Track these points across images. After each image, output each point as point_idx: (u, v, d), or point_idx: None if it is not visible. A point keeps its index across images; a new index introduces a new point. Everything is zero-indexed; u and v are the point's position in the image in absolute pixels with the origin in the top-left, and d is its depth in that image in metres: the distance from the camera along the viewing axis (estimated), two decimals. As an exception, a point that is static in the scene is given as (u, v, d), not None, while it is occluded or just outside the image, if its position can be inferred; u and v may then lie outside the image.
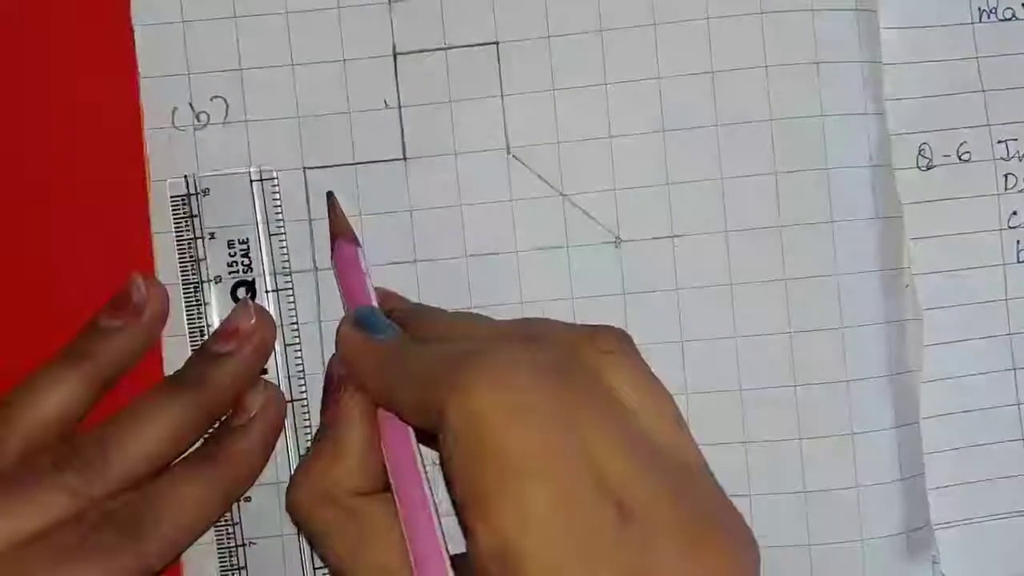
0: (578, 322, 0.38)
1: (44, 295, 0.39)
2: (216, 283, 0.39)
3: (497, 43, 0.39)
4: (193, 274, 0.39)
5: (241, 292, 0.39)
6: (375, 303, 0.36)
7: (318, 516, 0.33)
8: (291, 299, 0.39)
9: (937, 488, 0.40)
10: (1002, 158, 0.40)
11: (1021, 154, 0.41)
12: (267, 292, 0.39)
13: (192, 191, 0.39)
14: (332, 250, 0.38)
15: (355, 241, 0.38)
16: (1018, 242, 0.40)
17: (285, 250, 0.39)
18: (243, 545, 0.38)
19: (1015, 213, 0.40)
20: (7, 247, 0.39)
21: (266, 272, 0.39)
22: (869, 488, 0.39)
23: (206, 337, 0.38)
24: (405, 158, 0.39)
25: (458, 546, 0.31)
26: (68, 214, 0.39)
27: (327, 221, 0.39)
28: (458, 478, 0.29)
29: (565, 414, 0.29)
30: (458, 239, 0.39)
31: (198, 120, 0.39)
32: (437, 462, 0.35)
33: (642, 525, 0.28)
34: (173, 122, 0.39)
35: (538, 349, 0.30)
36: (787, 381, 0.39)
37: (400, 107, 0.39)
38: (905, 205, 0.40)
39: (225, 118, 0.39)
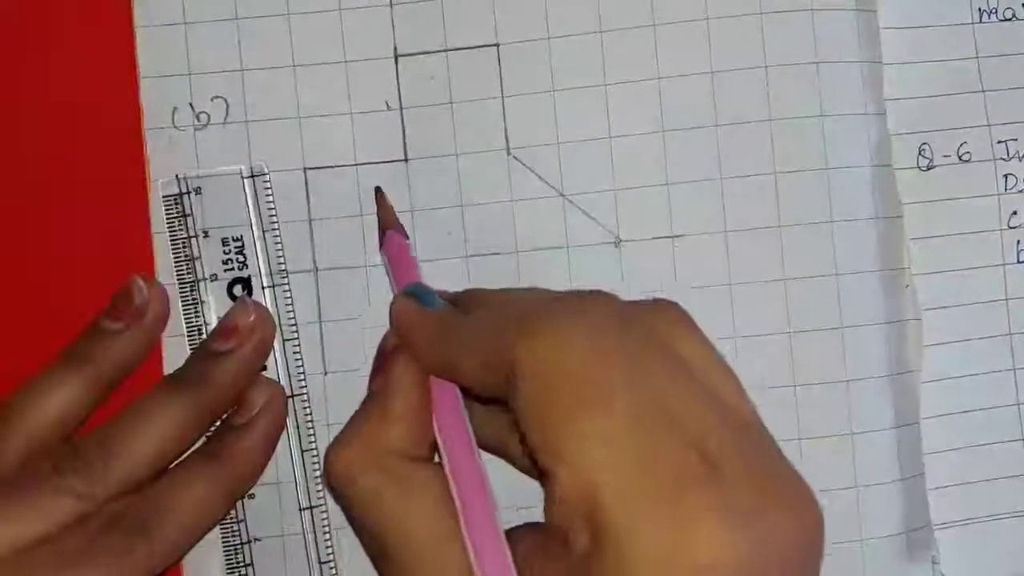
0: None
1: (44, 295, 0.39)
2: (212, 281, 0.39)
3: (497, 45, 0.39)
4: (189, 273, 0.39)
5: (238, 289, 0.39)
6: None
7: (365, 479, 0.32)
8: (288, 295, 0.39)
9: (937, 488, 0.40)
10: (1002, 158, 0.40)
11: (1021, 154, 0.41)
12: (264, 288, 0.39)
13: (184, 190, 0.39)
14: (381, 242, 0.38)
15: (404, 233, 0.38)
16: (1018, 242, 0.40)
17: (280, 246, 0.39)
18: (248, 542, 0.38)
19: (1015, 213, 0.41)
20: (7, 247, 0.39)
21: (262, 269, 0.39)
22: (869, 488, 0.39)
23: (204, 335, 0.38)
24: (406, 159, 0.39)
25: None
26: (68, 214, 0.39)
27: (375, 216, 0.39)
28: (532, 426, 0.28)
29: (635, 361, 0.28)
30: (458, 239, 0.39)
31: (198, 120, 0.39)
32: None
33: (719, 471, 0.27)
34: (173, 122, 0.39)
35: (603, 306, 0.30)
36: (787, 381, 0.39)
37: (401, 108, 0.39)
38: (905, 205, 0.40)
39: (225, 118, 0.39)
